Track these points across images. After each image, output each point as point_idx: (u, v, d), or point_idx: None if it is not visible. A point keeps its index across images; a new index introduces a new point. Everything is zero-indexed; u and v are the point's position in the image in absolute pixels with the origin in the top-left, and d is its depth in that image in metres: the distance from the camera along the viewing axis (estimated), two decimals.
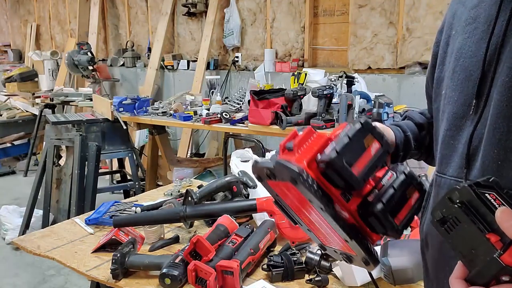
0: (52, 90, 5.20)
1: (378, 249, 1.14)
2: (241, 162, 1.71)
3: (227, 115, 2.90)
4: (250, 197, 1.50)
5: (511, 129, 0.56)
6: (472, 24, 0.63)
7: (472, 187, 0.50)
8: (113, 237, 1.34)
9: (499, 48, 0.58)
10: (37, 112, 5.13)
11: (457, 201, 0.51)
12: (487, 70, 0.59)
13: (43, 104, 4.83)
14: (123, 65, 5.27)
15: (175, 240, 1.43)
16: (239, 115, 2.88)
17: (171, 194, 1.87)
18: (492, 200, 0.49)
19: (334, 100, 2.60)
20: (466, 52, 0.63)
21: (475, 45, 0.62)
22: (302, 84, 2.89)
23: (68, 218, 2.49)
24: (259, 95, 2.65)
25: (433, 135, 0.80)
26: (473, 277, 0.50)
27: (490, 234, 0.48)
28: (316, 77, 2.92)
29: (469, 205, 0.50)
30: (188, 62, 4.62)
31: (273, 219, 1.36)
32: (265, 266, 1.20)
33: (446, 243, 0.53)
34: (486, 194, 0.50)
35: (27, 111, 5.60)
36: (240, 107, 3.13)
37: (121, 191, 3.82)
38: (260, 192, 1.53)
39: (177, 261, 1.15)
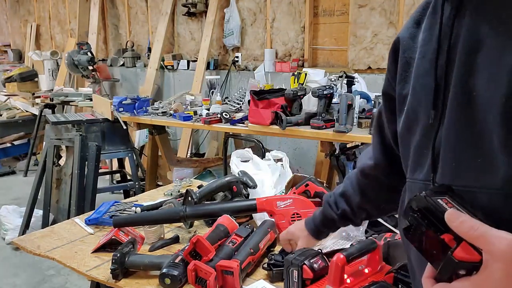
0: (52, 90, 5.20)
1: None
2: (241, 162, 1.71)
3: (227, 115, 2.90)
4: (250, 197, 1.50)
5: (462, 134, 0.64)
6: (426, 45, 0.71)
7: (426, 195, 0.57)
8: (113, 237, 1.34)
9: (445, 65, 0.67)
10: (37, 112, 5.13)
11: (416, 209, 0.58)
12: (439, 84, 0.68)
13: (43, 104, 4.83)
14: (123, 65, 5.27)
15: (175, 240, 1.43)
16: (239, 115, 2.88)
17: (171, 194, 1.87)
18: (444, 204, 0.56)
19: (334, 100, 2.60)
20: (422, 70, 0.71)
21: (428, 63, 0.70)
22: (302, 84, 2.89)
23: (68, 218, 2.49)
24: (259, 95, 2.65)
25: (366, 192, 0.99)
26: (438, 275, 0.55)
27: (445, 234, 0.54)
28: (316, 77, 2.92)
29: (425, 211, 0.57)
30: (188, 62, 4.62)
31: (273, 219, 1.36)
32: (265, 265, 1.20)
33: (413, 247, 0.59)
34: (439, 200, 0.57)
35: (27, 111, 5.60)
36: (240, 107, 3.13)
37: (121, 191, 3.82)
38: (260, 192, 1.53)
39: (177, 261, 1.15)
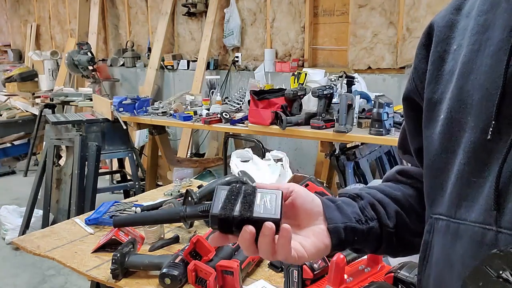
0: (52, 90, 5.20)
1: None
2: (241, 162, 1.71)
3: (227, 115, 2.90)
4: None
5: None
6: (484, 33, 0.54)
7: None
8: (113, 237, 1.34)
9: None
10: (37, 112, 5.13)
11: (501, 272, 0.37)
12: (509, 87, 0.50)
13: (43, 104, 4.83)
14: (123, 65, 5.27)
15: (175, 240, 1.43)
16: (239, 115, 2.88)
17: (171, 194, 1.87)
18: None
19: (334, 100, 2.60)
20: (478, 66, 0.53)
21: (490, 57, 0.52)
22: (302, 84, 2.89)
23: (68, 218, 2.49)
24: (259, 95, 2.65)
25: (378, 201, 0.68)
26: None
27: None
28: (316, 77, 2.92)
29: None
30: (188, 62, 4.62)
31: None
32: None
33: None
34: None
35: (27, 111, 5.61)
36: (240, 107, 3.13)
37: (121, 191, 3.82)
38: None
39: (177, 261, 1.15)
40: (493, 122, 0.49)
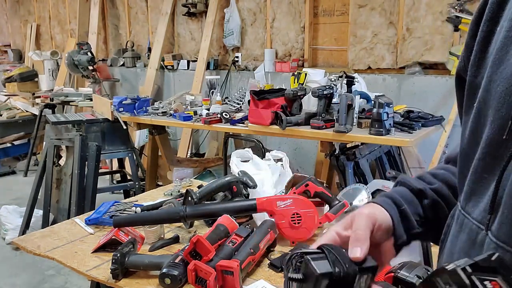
0: (52, 90, 5.20)
1: None
2: (241, 162, 1.71)
3: (227, 115, 2.90)
4: (250, 197, 1.50)
5: None
6: None
7: (466, 271, 0.38)
8: (113, 237, 1.34)
9: None
10: (37, 112, 5.13)
11: (447, 287, 0.39)
12: None
13: (43, 104, 4.83)
14: (123, 65, 5.27)
15: (175, 240, 1.43)
16: (239, 115, 2.88)
17: (171, 194, 1.87)
18: None
19: (334, 100, 2.60)
20: (510, 56, 0.47)
21: None
22: (302, 84, 2.89)
23: (68, 218, 2.49)
24: (259, 95, 2.65)
25: (443, 199, 0.66)
26: None
27: None
28: (316, 77, 2.92)
29: None
30: (188, 62, 4.62)
31: (273, 219, 1.36)
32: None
33: None
34: (486, 282, 0.38)
35: (27, 111, 5.60)
36: (240, 107, 3.13)
37: (121, 191, 3.82)
38: (260, 192, 1.53)
39: (177, 261, 1.15)
40: (511, 121, 0.45)
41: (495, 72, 0.49)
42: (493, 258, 0.39)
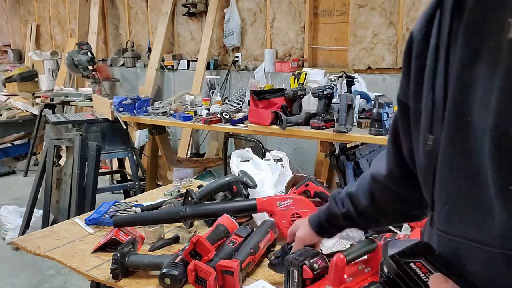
0: (52, 90, 5.20)
1: None
2: (241, 162, 1.71)
3: (227, 115, 2.90)
4: (250, 197, 1.50)
5: (458, 169, 0.52)
6: (433, 53, 0.59)
7: (395, 257, 0.49)
8: (113, 237, 1.34)
9: (444, 79, 0.54)
10: (37, 112, 5.13)
11: (384, 275, 0.50)
12: (436, 102, 0.56)
13: (43, 104, 4.83)
14: (123, 65, 5.27)
15: (175, 240, 1.43)
16: (239, 115, 2.88)
17: (171, 194, 1.87)
18: (418, 270, 0.47)
19: (334, 100, 2.60)
20: (427, 83, 0.59)
21: (429, 74, 0.58)
22: (302, 84, 2.89)
23: (68, 218, 2.49)
24: (259, 95, 2.65)
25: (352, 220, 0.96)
26: None
27: None
28: (316, 77, 2.92)
29: (395, 277, 0.49)
30: (188, 62, 4.62)
31: (273, 219, 1.36)
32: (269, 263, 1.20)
33: None
34: (411, 264, 0.47)
35: (27, 111, 5.60)
36: (240, 107, 3.13)
37: (121, 191, 3.81)
38: (260, 192, 1.53)
39: (177, 261, 1.15)
40: (429, 135, 0.56)
41: (426, 98, 0.60)
42: (420, 245, 0.49)
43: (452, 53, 0.53)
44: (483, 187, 0.47)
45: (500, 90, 0.44)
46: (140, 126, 3.44)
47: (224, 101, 3.40)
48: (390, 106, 2.30)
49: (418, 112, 0.62)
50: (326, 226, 1.03)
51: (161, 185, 3.38)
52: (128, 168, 3.76)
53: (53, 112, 4.89)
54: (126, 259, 1.21)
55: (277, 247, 1.35)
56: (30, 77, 6.19)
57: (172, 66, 4.71)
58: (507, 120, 0.44)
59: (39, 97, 4.99)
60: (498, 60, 0.45)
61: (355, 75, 2.81)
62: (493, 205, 0.46)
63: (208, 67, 4.37)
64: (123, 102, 3.36)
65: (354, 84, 2.71)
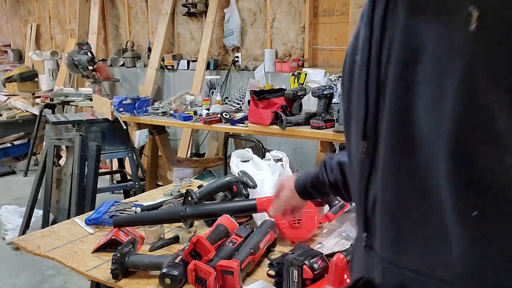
0: (52, 90, 5.20)
1: None
2: (241, 162, 1.71)
3: (227, 115, 2.90)
4: (250, 197, 1.50)
5: (403, 187, 0.43)
6: (362, 49, 0.51)
7: None
8: (113, 237, 1.34)
9: (377, 80, 0.47)
10: (37, 112, 5.13)
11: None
12: (369, 106, 0.48)
13: (43, 104, 4.82)
14: (123, 65, 5.27)
15: (175, 240, 1.43)
16: (239, 115, 2.88)
17: (171, 194, 1.87)
18: None
19: (334, 100, 2.60)
20: (357, 84, 0.52)
21: (359, 76, 0.51)
22: (302, 84, 2.89)
23: (68, 218, 2.49)
24: (259, 95, 2.65)
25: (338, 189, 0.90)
26: None
27: None
28: (316, 77, 2.92)
29: None
30: (188, 62, 4.62)
31: (273, 219, 1.36)
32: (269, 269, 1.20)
33: None
34: None
35: (27, 111, 5.60)
36: (240, 107, 3.13)
37: (121, 191, 3.81)
38: (260, 192, 1.53)
39: (177, 261, 1.15)
40: (363, 141, 0.50)
41: (354, 101, 0.57)
42: (360, 283, 0.44)
43: (385, 49, 0.45)
44: (439, 212, 0.39)
45: (459, 90, 0.36)
46: (140, 126, 3.44)
47: (224, 101, 3.40)
48: None
49: (349, 116, 0.55)
50: (311, 191, 0.99)
51: (161, 185, 3.38)
52: (128, 168, 3.76)
53: (53, 112, 4.89)
54: (126, 259, 1.21)
55: (277, 247, 1.35)
56: (30, 77, 6.19)
57: (172, 66, 4.71)
58: (469, 126, 0.35)
59: (39, 97, 4.99)
60: (452, 56, 0.38)
61: None
62: (450, 229, 0.39)
63: (208, 67, 4.37)
64: (123, 102, 3.36)
65: None
